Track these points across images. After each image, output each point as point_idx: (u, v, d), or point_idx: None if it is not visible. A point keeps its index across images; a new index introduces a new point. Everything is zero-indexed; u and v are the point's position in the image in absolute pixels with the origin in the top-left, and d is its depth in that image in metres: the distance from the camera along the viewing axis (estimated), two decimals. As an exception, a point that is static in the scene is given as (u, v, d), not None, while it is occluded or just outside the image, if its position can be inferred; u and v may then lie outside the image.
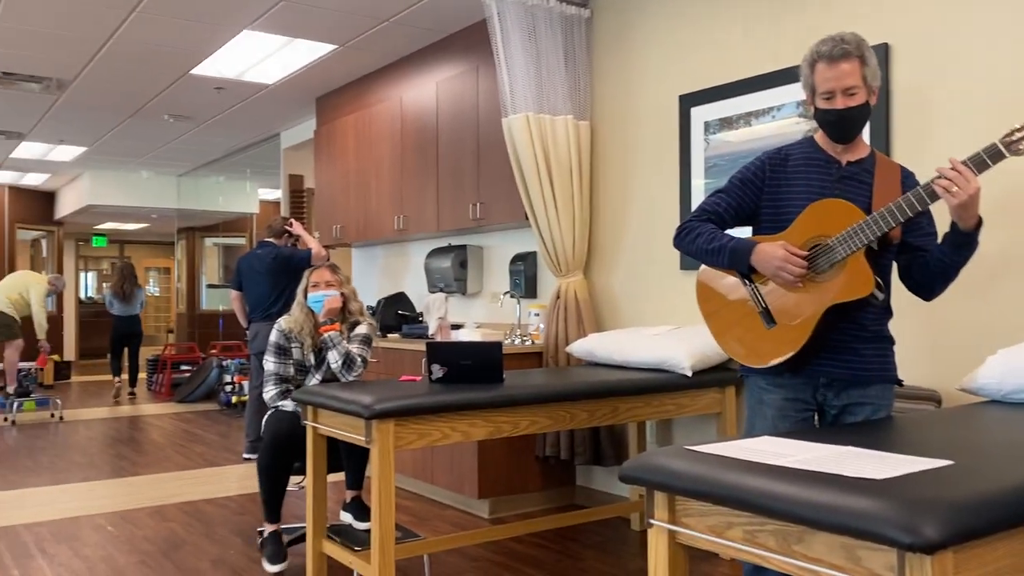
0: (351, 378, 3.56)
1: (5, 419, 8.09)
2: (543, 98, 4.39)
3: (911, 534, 1.30)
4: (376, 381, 3.38)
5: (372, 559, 2.82)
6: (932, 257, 2.25)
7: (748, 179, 2.39)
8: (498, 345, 3.20)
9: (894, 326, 3.21)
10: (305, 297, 3.71)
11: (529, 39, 4.35)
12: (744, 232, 2.39)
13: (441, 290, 5.49)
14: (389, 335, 5.45)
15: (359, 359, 3.59)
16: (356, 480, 3.64)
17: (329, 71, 6.22)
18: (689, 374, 3.49)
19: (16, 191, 12.37)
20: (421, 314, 5.56)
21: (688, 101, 4.04)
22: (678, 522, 1.75)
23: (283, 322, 3.72)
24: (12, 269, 12.18)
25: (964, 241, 2.17)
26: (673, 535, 1.76)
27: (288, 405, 3.61)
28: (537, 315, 4.75)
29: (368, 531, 3.41)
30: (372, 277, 6.82)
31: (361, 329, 3.70)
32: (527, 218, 4.50)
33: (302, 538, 3.69)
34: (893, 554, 1.37)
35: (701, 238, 2.36)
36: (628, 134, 4.42)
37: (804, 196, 2.30)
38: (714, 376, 3.58)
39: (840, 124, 2.25)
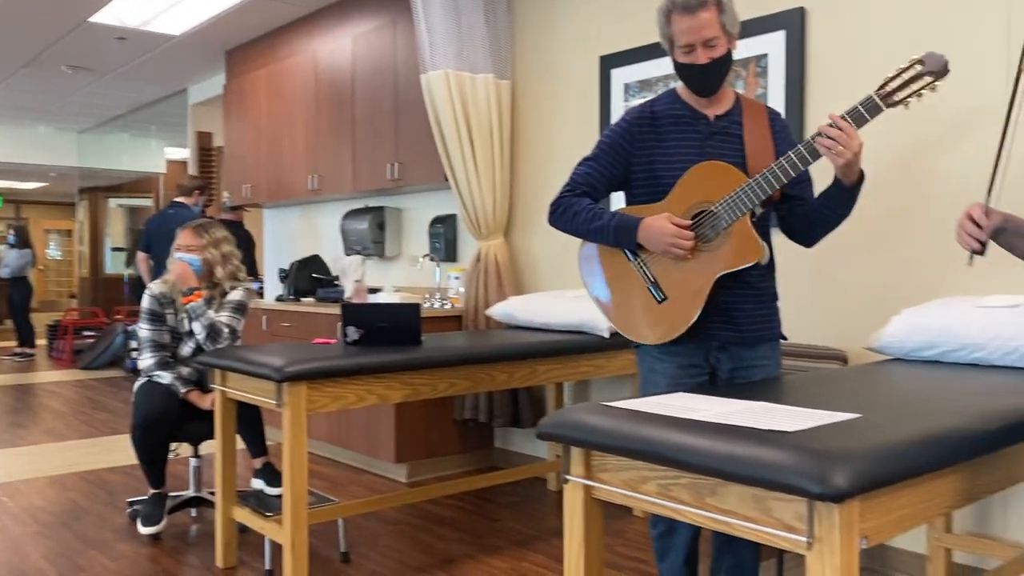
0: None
1: None
2: (463, 55, 4.30)
3: (820, 484, 1.32)
4: (289, 344, 3.28)
5: (284, 523, 2.76)
6: (811, 208, 2.23)
7: (616, 144, 2.27)
8: (416, 307, 3.14)
9: (802, 288, 3.29)
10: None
11: (448, -7, 4.24)
12: (618, 197, 2.31)
13: (358, 253, 5.38)
14: (303, 299, 5.32)
15: (226, 329, 3.43)
16: (258, 446, 3.55)
17: (239, 22, 5.95)
18: (606, 335, 3.50)
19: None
20: (337, 277, 5.44)
21: (609, 62, 4.02)
22: (594, 477, 1.75)
23: (155, 286, 3.55)
24: None
25: (847, 196, 2.14)
26: (589, 490, 1.76)
27: (165, 377, 3.47)
28: (457, 278, 4.70)
29: (280, 496, 3.33)
30: (286, 239, 6.63)
31: (234, 295, 3.53)
32: (447, 179, 4.43)
33: (184, 505, 3.59)
34: (803, 504, 1.39)
35: (580, 216, 2.24)
36: (550, 95, 4.38)
37: (677, 157, 2.21)
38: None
39: (703, 79, 2.18)
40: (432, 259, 4.85)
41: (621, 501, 1.71)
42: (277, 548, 3.04)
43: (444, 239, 4.89)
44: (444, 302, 4.62)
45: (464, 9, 4.30)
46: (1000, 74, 2.77)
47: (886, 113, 2.04)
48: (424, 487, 3.55)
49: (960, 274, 2.84)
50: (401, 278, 5.37)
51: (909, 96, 2.00)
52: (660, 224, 2.14)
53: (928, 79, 1.98)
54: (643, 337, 2.24)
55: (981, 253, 1.69)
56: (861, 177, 2.11)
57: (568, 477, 1.77)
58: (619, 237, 2.21)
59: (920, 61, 1.99)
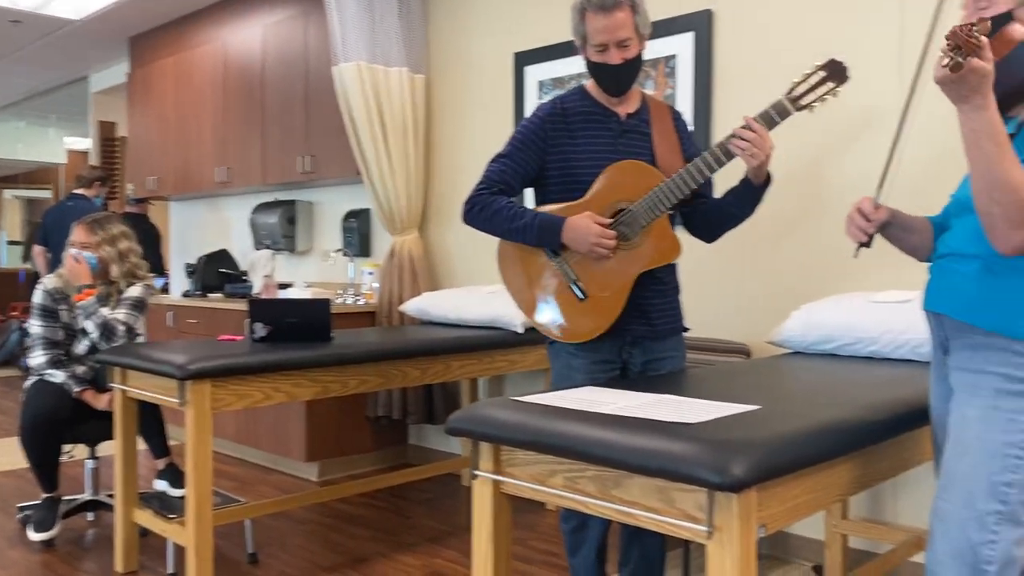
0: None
1: None
2: (376, 48, 4.25)
3: (720, 474, 1.35)
4: (193, 341, 3.18)
5: (187, 525, 2.67)
6: (715, 206, 2.29)
7: (530, 140, 2.26)
8: (326, 302, 3.09)
9: (709, 284, 3.37)
10: None
11: (361, -15, 4.18)
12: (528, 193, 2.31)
13: (268, 247, 5.26)
14: (211, 295, 5.17)
15: (121, 327, 3.27)
16: (160, 447, 3.44)
17: (144, 8, 5.73)
18: (520, 331, 3.52)
19: None
20: (245, 272, 5.31)
21: (523, 59, 4.03)
22: (503, 472, 1.75)
23: (49, 281, 3.39)
24: None
25: (755, 196, 2.21)
26: (498, 485, 1.76)
27: (58, 376, 3.32)
28: (371, 274, 4.64)
29: (184, 497, 3.23)
30: (193, 233, 6.43)
31: (132, 291, 3.38)
32: (360, 173, 4.37)
33: (80, 509, 3.46)
34: (704, 494, 1.42)
35: (500, 215, 2.21)
36: (465, 90, 4.36)
37: (590, 155, 2.23)
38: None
39: (616, 79, 2.21)
40: (345, 254, 4.78)
41: (529, 495, 1.72)
42: (181, 551, 2.95)
43: (357, 234, 4.83)
44: (357, 298, 4.56)
45: (377, 1, 4.25)
46: (893, 78, 2.89)
47: (794, 116, 2.11)
48: (335, 486, 3.50)
49: (856, 271, 2.96)
50: (313, 273, 5.28)
51: (815, 101, 2.08)
52: (584, 224, 2.14)
53: (831, 85, 2.06)
54: (565, 336, 2.24)
55: (868, 245, 1.77)
56: (769, 178, 2.18)
57: (477, 472, 1.77)
58: (543, 237, 2.20)
59: (823, 67, 2.07)
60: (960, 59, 1.34)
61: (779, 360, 2.54)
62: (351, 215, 4.88)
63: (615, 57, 2.18)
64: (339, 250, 4.80)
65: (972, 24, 1.34)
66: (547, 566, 3.08)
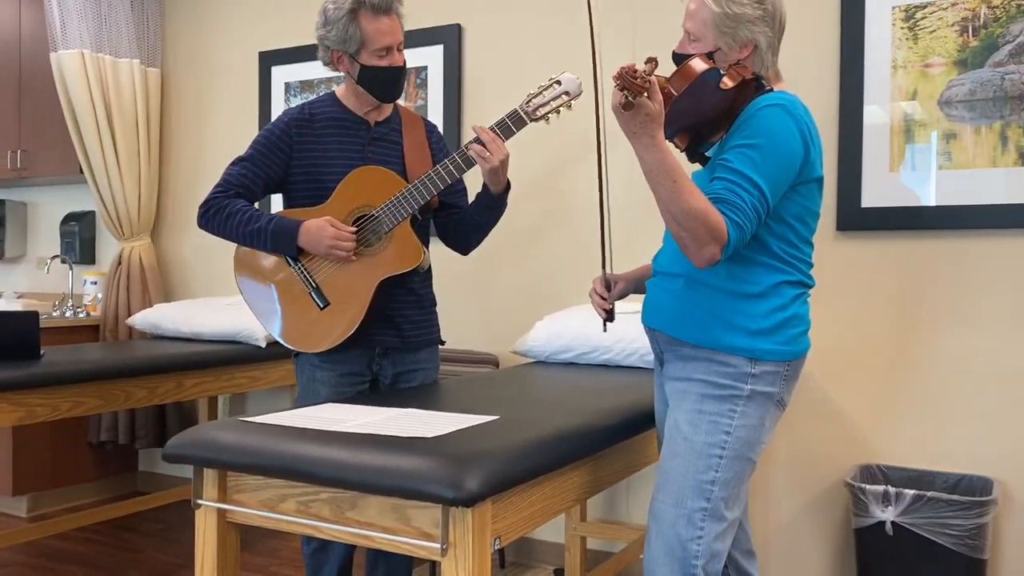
0: None
1: None
2: (103, 36, 3.86)
3: (454, 489, 1.33)
4: None
5: None
6: (465, 215, 2.31)
7: (273, 144, 2.19)
8: (33, 315, 2.73)
9: (460, 295, 3.40)
10: None
11: (84, -36, 3.78)
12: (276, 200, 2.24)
13: (-31, 252, 4.60)
14: None
15: None
16: None
17: None
18: (263, 345, 3.33)
19: None
20: (-60, 281, 4.60)
21: (269, 59, 3.84)
22: (229, 500, 1.62)
23: None
24: None
25: (494, 204, 2.24)
26: (223, 514, 1.62)
27: None
28: (94, 284, 4.20)
29: None
30: None
31: None
32: (82, 171, 3.95)
33: None
34: (439, 510, 1.39)
35: (234, 219, 2.13)
36: (206, 88, 4.08)
37: (339, 162, 2.20)
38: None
39: (397, 82, 2.19)
40: (64, 261, 4.29)
41: (259, 523, 1.60)
42: None
43: (79, 239, 4.36)
44: (78, 310, 4.11)
45: (104, -16, 3.87)
46: (626, 104, 3.08)
47: (533, 130, 2.16)
48: (45, 522, 3.10)
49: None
50: (25, 283, 4.69)
51: (549, 112, 2.15)
52: (320, 227, 2.09)
53: (565, 97, 2.14)
54: (305, 345, 2.15)
55: (611, 320, 1.91)
56: (507, 186, 2.23)
57: (200, 502, 1.62)
58: (277, 241, 2.11)
59: (558, 81, 2.14)
60: (631, 98, 1.43)
61: (523, 369, 2.59)
62: (71, 218, 4.40)
63: (399, 59, 2.15)
64: (57, 257, 4.30)
65: (635, 69, 1.42)
66: (290, 592, 2.93)
